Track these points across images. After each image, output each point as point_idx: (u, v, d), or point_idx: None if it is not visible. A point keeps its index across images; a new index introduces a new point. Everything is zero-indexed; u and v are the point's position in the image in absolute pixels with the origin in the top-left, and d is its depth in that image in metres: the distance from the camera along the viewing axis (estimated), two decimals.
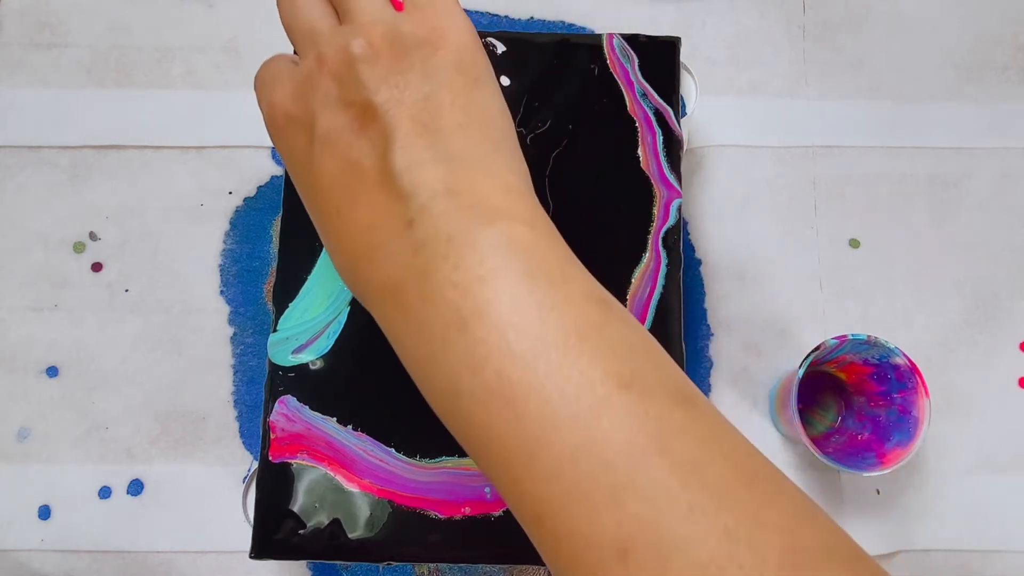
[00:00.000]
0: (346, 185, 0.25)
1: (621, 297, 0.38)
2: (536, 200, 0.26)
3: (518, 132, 0.40)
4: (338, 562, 0.43)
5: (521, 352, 0.22)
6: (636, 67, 0.41)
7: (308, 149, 0.26)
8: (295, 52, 0.28)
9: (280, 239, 0.38)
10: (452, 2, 0.27)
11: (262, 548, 0.35)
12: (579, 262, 0.25)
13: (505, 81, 0.41)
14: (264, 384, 0.37)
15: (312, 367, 0.37)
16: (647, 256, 0.39)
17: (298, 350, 0.37)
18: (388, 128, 0.25)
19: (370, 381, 0.37)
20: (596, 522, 0.21)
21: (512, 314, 0.22)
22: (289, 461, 0.35)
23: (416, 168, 0.24)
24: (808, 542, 0.21)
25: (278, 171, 0.48)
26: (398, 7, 0.27)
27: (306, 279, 0.38)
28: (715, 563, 0.20)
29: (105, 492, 0.44)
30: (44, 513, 0.43)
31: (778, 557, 0.20)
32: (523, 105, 0.40)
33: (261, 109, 0.28)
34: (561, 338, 0.22)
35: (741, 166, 0.48)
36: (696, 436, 0.22)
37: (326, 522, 0.35)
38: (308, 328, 0.37)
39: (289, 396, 0.36)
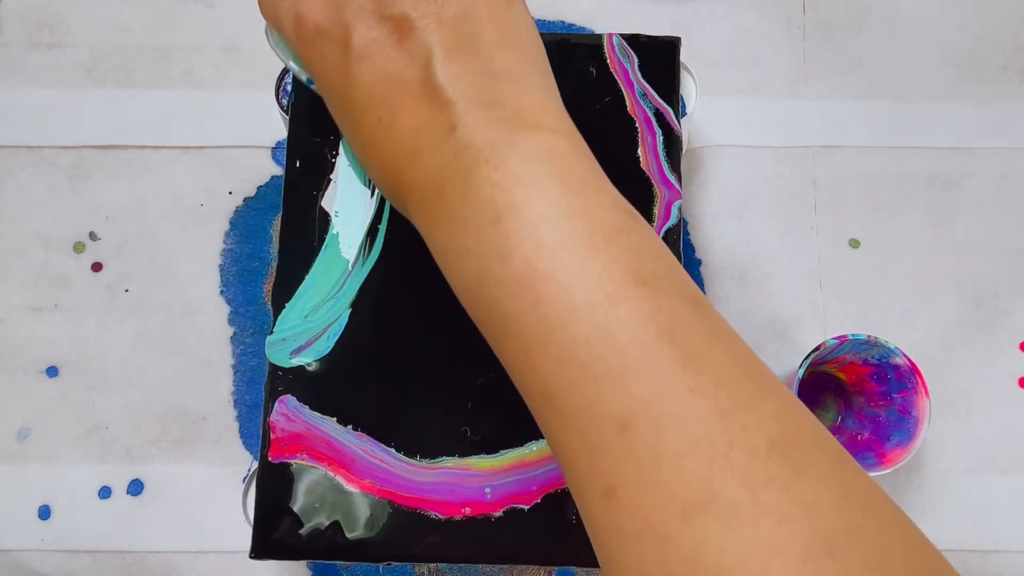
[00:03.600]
0: (387, 96, 0.26)
1: None
2: (569, 118, 0.27)
3: None
4: (338, 562, 0.43)
5: (549, 245, 0.23)
6: (636, 67, 0.41)
7: (343, 62, 0.26)
8: None
9: (280, 239, 0.38)
10: None
11: (262, 548, 0.35)
12: (607, 178, 0.26)
13: None
14: (264, 384, 0.36)
15: (308, 368, 0.37)
16: None
17: (297, 351, 0.37)
18: (428, 42, 0.25)
19: (370, 381, 0.36)
20: (601, 400, 0.22)
21: (545, 211, 0.24)
22: (289, 461, 0.35)
23: (459, 80, 0.25)
24: (798, 432, 0.22)
25: (278, 171, 0.48)
26: None
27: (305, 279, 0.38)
28: (707, 439, 0.21)
29: (105, 492, 0.44)
30: (44, 513, 0.43)
31: (768, 440, 0.21)
32: None
33: (282, 23, 0.28)
34: (588, 237, 0.23)
35: (741, 166, 0.48)
36: (702, 332, 0.23)
37: (326, 522, 0.35)
38: (307, 329, 0.37)
39: (289, 396, 0.36)
